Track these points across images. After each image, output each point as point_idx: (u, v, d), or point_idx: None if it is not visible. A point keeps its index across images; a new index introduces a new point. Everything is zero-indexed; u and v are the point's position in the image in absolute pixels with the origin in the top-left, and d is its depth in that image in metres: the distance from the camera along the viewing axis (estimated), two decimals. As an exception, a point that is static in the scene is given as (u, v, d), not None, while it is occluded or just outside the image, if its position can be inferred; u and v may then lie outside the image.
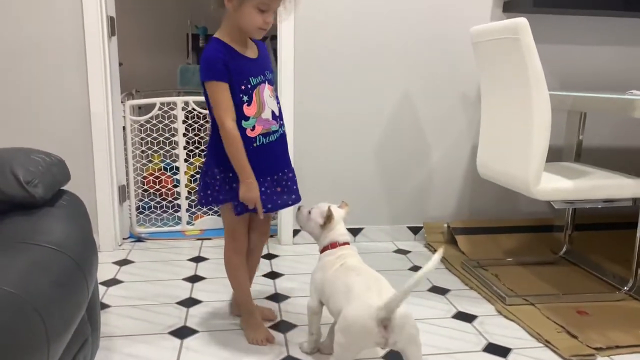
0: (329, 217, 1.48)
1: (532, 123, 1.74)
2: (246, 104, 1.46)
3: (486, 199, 2.64)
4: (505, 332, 1.70)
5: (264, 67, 1.53)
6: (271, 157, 1.54)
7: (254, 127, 1.49)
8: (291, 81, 2.38)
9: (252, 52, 1.51)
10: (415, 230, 2.62)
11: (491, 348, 1.60)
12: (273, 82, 1.57)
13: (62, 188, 1.34)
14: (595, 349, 1.57)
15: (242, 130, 1.47)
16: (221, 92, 1.43)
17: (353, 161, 2.51)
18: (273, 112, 1.53)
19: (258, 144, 1.50)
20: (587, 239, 2.46)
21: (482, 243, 2.48)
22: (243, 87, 1.46)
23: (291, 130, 2.41)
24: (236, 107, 1.46)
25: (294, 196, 1.60)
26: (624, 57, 2.57)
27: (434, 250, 2.46)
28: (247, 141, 1.47)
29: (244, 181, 1.45)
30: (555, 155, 2.40)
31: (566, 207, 2.29)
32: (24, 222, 1.14)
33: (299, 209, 1.59)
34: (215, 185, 1.52)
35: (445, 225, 2.59)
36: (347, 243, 1.50)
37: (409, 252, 2.47)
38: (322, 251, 1.50)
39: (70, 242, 1.12)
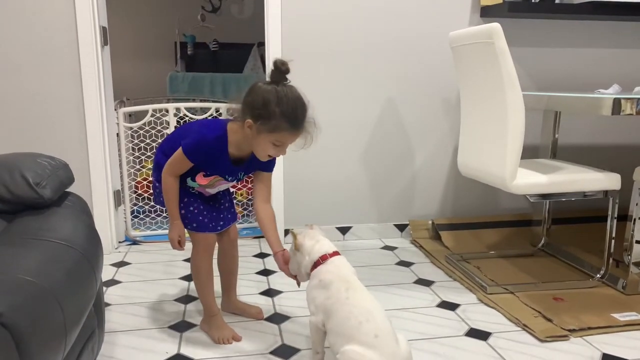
0: (294, 240, 1.44)
1: (507, 122, 1.85)
2: (202, 174, 1.56)
3: (468, 197, 2.75)
4: (486, 318, 1.81)
5: (241, 170, 1.60)
6: (211, 196, 1.68)
7: (194, 189, 1.62)
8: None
9: (241, 160, 1.57)
10: (401, 227, 2.73)
11: (472, 332, 1.70)
12: (242, 179, 1.67)
13: (66, 190, 1.42)
14: (569, 330, 1.68)
15: (184, 182, 1.58)
16: (183, 162, 1.51)
17: (341, 164, 2.62)
18: (219, 191, 1.67)
19: (195, 191, 1.64)
20: (564, 232, 2.58)
21: (465, 238, 2.59)
22: (206, 173, 1.56)
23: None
24: (193, 170, 1.54)
25: (229, 216, 1.72)
26: (593, 58, 2.71)
27: (420, 246, 2.57)
28: (187, 187, 1.60)
29: (172, 222, 1.60)
30: (532, 152, 2.53)
31: (541, 201, 2.42)
32: (34, 221, 1.22)
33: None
34: (206, 215, 1.62)
35: (430, 222, 2.70)
36: (337, 252, 1.42)
37: (395, 248, 2.57)
38: (312, 269, 1.42)
39: (78, 238, 1.21)
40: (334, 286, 1.34)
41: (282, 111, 1.40)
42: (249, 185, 3.12)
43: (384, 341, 1.23)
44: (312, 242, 1.43)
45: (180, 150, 1.50)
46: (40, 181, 1.26)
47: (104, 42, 2.43)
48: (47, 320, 0.94)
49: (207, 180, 1.57)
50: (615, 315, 1.79)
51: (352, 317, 1.27)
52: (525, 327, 1.72)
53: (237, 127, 1.50)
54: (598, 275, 2.08)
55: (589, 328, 1.70)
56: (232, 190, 1.85)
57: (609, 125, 2.80)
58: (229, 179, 1.59)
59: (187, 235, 1.63)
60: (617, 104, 1.73)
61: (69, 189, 1.46)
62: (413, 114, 2.62)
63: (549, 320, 1.75)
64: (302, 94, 1.45)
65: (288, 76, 1.45)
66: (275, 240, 1.57)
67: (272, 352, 1.58)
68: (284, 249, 1.55)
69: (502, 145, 1.88)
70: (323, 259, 1.40)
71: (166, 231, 2.72)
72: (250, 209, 3.02)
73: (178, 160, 1.51)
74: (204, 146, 1.49)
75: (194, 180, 1.57)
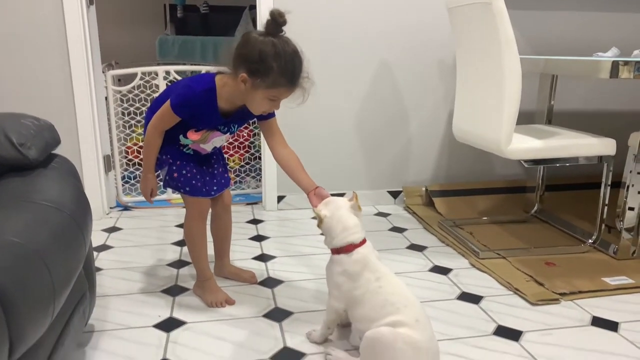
0: (319, 220, 1.33)
1: (504, 85, 1.82)
2: (193, 129, 1.50)
3: (462, 163, 2.74)
4: (478, 282, 1.82)
5: (232, 122, 1.54)
6: (202, 156, 1.62)
7: (187, 146, 1.56)
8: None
9: (231, 112, 1.50)
10: (394, 194, 2.72)
11: (464, 296, 1.71)
12: (235, 132, 1.61)
13: (53, 152, 1.38)
14: (560, 294, 1.70)
15: (177, 139, 1.53)
16: (170, 117, 1.45)
17: (334, 131, 2.58)
18: (215, 147, 1.61)
19: (189, 151, 1.58)
20: (557, 199, 2.59)
21: (458, 204, 2.59)
22: (197, 128, 1.51)
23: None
24: (183, 125, 1.49)
25: (223, 181, 1.67)
26: (591, 21, 2.66)
27: (413, 213, 2.57)
28: (178, 145, 1.55)
29: (145, 174, 1.57)
30: (527, 118, 2.50)
31: (535, 167, 2.41)
32: (20, 183, 1.19)
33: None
34: (200, 179, 1.58)
35: (424, 188, 2.69)
36: (364, 241, 1.32)
37: (389, 214, 2.57)
38: (335, 252, 1.33)
39: (65, 199, 1.18)
40: (363, 277, 1.28)
41: (280, 67, 1.33)
42: (241, 152, 3.09)
43: (424, 327, 1.22)
44: (340, 227, 1.31)
45: (167, 104, 1.44)
46: (25, 142, 1.22)
47: (90, 2, 2.35)
48: (34, 282, 0.92)
49: (199, 135, 1.51)
50: (606, 280, 1.80)
51: (388, 304, 1.23)
52: (517, 291, 1.73)
53: (228, 80, 1.43)
54: (590, 241, 2.09)
55: (580, 292, 1.71)
56: (225, 156, 1.81)
57: (605, 91, 2.77)
58: (223, 129, 1.55)
59: (160, 188, 1.61)
60: (615, 67, 1.70)
61: (57, 152, 1.43)
62: (407, 78, 2.57)
63: (541, 284, 1.76)
64: (297, 46, 1.39)
65: None
66: (305, 181, 1.50)
67: (265, 315, 1.59)
68: (317, 187, 1.47)
69: (498, 110, 1.86)
70: (348, 250, 1.30)
71: (159, 197, 2.72)
72: (243, 175, 3.00)
73: (165, 115, 1.46)
74: (191, 100, 1.43)
75: (185, 136, 1.52)
